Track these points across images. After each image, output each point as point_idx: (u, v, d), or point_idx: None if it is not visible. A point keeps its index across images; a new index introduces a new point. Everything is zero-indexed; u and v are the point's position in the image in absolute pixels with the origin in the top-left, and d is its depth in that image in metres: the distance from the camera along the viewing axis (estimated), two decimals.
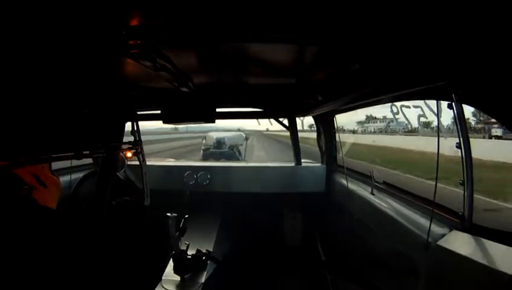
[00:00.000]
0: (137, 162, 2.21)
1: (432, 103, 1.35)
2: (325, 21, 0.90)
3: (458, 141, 1.24)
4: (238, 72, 1.78)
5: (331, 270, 2.64)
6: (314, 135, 3.10)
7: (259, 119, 2.96)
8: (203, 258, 2.12)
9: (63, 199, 2.08)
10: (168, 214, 2.02)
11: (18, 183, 1.35)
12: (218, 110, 2.28)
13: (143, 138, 2.13)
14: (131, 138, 2.11)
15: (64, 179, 2.26)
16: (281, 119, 2.91)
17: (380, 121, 20.43)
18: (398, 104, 1.66)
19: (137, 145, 2.18)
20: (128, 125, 2.25)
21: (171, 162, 3.64)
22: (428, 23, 0.80)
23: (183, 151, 16.61)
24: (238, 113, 2.81)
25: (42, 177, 1.48)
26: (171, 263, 2.04)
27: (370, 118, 20.72)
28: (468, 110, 1.34)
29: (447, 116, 1.29)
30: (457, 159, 1.25)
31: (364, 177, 2.27)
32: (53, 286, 1.31)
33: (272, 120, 2.90)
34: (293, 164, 3.04)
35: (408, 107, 1.64)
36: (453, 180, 1.75)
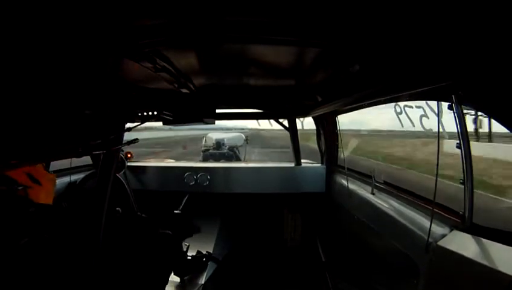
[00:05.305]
0: (137, 164, 2.21)
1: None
2: (326, 23, 0.90)
3: (458, 142, 1.24)
4: (238, 74, 1.78)
5: (332, 272, 2.64)
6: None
7: (259, 120, 2.97)
8: (203, 259, 2.11)
9: (64, 200, 2.08)
10: (176, 211, 2.03)
11: (12, 184, 1.35)
12: (218, 111, 2.28)
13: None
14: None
15: (64, 180, 2.26)
16: (281, 120, 2.91)
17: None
18: (402, 104, 1.67)
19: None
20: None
21: (171, 163, 3.64)
22: (429, 25, 0.80)
23: None
24: (239, 114, 2.81)
25: (36, 175, 1.48)
26: None
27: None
28: None
29: None
30: None
31: (365, 177, 2.26)
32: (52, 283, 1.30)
33: (272, 121, 2.91)
34: (292, 165, 3.04)
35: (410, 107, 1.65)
36: None
